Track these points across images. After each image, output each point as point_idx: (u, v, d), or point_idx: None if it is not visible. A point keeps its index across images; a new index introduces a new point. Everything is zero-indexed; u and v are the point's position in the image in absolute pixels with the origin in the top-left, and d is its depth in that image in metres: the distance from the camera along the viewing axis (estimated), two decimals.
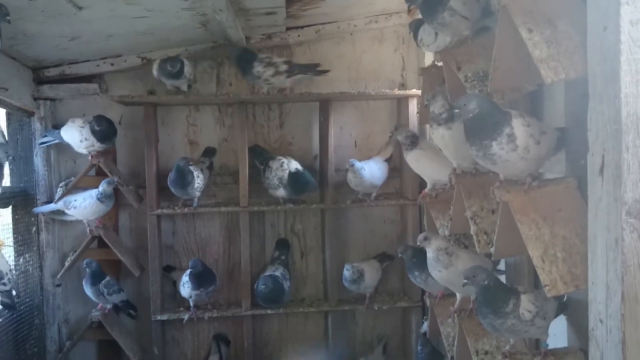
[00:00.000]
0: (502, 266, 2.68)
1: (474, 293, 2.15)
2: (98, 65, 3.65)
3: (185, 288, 3.52)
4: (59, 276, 3.65)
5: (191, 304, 3.62)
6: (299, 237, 3.98)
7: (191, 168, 3.44)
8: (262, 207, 3.71)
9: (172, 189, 3.49)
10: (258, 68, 3.45)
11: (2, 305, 2.85)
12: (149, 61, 3.63)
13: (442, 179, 2.74)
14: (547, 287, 1.73)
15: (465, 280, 2.03)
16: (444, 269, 2.46)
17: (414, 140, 2.97)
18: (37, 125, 3.62)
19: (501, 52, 1.93)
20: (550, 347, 2.05)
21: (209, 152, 3.77)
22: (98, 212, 3.48)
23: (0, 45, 2.27)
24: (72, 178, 3.65)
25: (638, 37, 1.42)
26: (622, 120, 1.43)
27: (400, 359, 4.01)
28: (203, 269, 3.48)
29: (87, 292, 3.52)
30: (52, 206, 3.54)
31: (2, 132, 2.62)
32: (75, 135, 3.43)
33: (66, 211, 3.49)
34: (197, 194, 3.55)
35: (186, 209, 3.63)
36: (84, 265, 3.48)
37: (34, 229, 3.62)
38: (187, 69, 3.45)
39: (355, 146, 3.96)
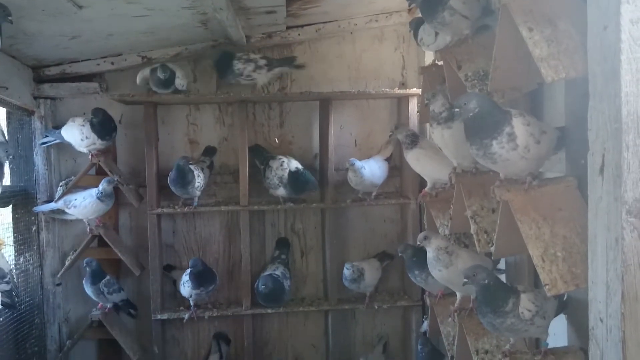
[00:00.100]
0: (502, 265, 2.68)
1: (474, 292, 2.16)
2: (98, 64, 3.65)
3: (186, 287, 3.52)
4: (59, 275, 3.65)
5: (191, 303, 3.62)
6: (299, 236, 3.98)
7: (191, 167, 3.44)
8: (262, 206, 3.71)
9: (173, 188, 3.49)
10: (238, 65, 3.48)
11: (2, 304, 2.85)
12: (149, 60, 3.64)
13: (442, 178, 2.74)
14: (547, 286, 1.73)
15: (465, 280, 2.03)
16: (444, 268, 2.46)
17: (414, 139, 2.97)
18: (37, 124, 3.62)
19: (501, 51, 1.93)
20: (550, 346, 2.04)
21: (209, 151, 3.77)
22: (98, 211, 3.48)
23: (1, 44, 2.27)
24: (72, 177, 3.65)
25: (638, 36, 1.42)
26: (622, 120, 1.43)
27: (401, 358, 4.01)
28: (203, 268, 3.49)
29: (87, 291, 3.52)
30: (52, 205, 3.54)
31: (2, 131, 2.61)
32: (76, 134, 3.43)
33: (66, 210, 3.49)
34: (198, 193, 3.55)
35: (186, 208, 3.63)
36: (84, 265, 3.48)
37: (34, 228, 3.62)
38: (179, 81, 3.46)
39: (356, 145, 3.96)
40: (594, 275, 1.59)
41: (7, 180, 3.35)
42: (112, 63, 3.66)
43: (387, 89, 3.78)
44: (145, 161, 3.60)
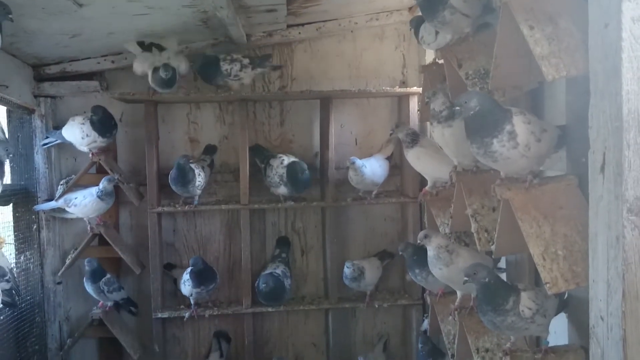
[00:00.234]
0: (502, 264, 2.68)
1: (475, 291, 2.15)
2: (99, 63, 3.65)
3: (186, 286, 3.52)
4: (59, 274, 3.65)
5: (192, 301, 3.62)
6: (300, 234, 3.98)
7: (192, 166, 3.45)
8: (262, 204, 3.71)
9: (174, 187, 3.49)
10: (225, 66, 3.48)
11: (3, 303, 2.85)
12: None
13: (443, 177, 2.74)
14: (547, 285, 1.73)
15: (465, 278, 2.03)
16: (444, 267, 2.46)
17: (415, 138, 2.97)
18: (37, 122, 3.62)
19: (502, 50, 1.92)
20: (551, 344, 2.04)
21: (210, 149, 3.77)
22: (98, 210, 3.48)
23: (1, 42, 2.27)
24: (73, 176, 3.65)
25: (639, 34, 1.42)
26: (623, 118, 1.43)
27: (401, 357, 4.01)
28: (204, 266, 3.49)
29: (87, 289, 3.52)
30: (52, 204, 3.54)
31: (3, 129, 2.61)
32: (77, 133, 3.43)
33: (67, 209, 3.50)
34: (198, 192, 3.55)
35: (187, 206, 3.63)
36: (85, 264, 3.48)
37: (35, 226, 3.62)
38: (183, 66, 3.43)
39: (356, 144, 3.96)
40: (595, 274, 1.59)
41: (7, 179, 3.35)
42: (113, 61, 3.66)
43: (388, 88, 3.78)
44: (145, 160, 3.60)
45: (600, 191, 1.54)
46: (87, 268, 3.47)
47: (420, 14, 2.77)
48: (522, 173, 1.92)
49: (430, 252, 2.49)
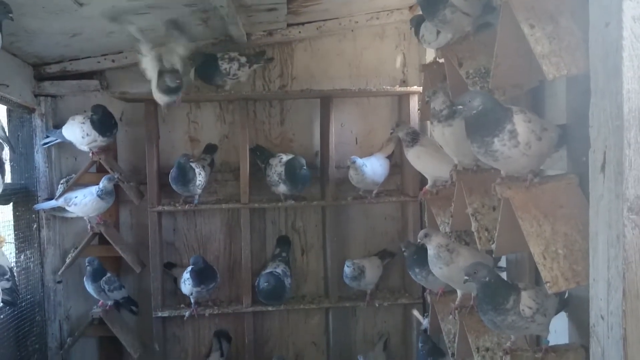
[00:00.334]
0: (503, 263, 2.68)
1: (475, 290, 2.15)
2: (99, 62, 3.65)
3: (186, 285, 3.53)
4: (59, 273, 3.65)
5: (192, 300, 3.62)
6: (300, 234, 3.98)
7: (192, 165, 3.45)
8: (262, 204, 3.71)
9: (174, 186, 3.49)
10: (224, 65, 3.50)
11: (3, 302, 2.85)
12: None
13: (443, 176, 2.74)
14: (548, 284, 1.73)
15: (466, 277, 2.03)
16: (444, 266, 2.46)
17: (415, 137, 2.97)
18: (37, 122, 3.62)
19: (503, 49, 1.92)
20: (551, 343, 2.04)
21: (210, 149, 3.76)
22: (98, 209, 3.49)
23: (1, 41, 2.27)
24: (73, 175, 3.65)
25: None
26: (624, 117, 1.43)
27: (401, 356, 4.01)
28: (204, 265, 3.49)
29: (88, 288, 3.52)
30: (52, 203, 3.54)
31: (3, 128, 2.62)
32: (77, 132, 3.43)
33: (67, 208, 3.50)
34: (199, 191, 3.55)
35: (187, 205, 3.63)
36: (86, 263, 3.48)
37: (35, 225, 3.62)
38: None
39: (356, 143, 3.95)
40: (595, 273, 1.59)
41: (7, 178, 3.35)
42: (113, 61, 3.66)
43: (388, 87, 3.77)
44: (145, 159, 3.60)
45: (601, 190, 1.53)
46: (87, 267, 3.47)
47: (420, 12, 2.77)
48: (523, 172, 1.92)
49: (431, 251, 2.49)
